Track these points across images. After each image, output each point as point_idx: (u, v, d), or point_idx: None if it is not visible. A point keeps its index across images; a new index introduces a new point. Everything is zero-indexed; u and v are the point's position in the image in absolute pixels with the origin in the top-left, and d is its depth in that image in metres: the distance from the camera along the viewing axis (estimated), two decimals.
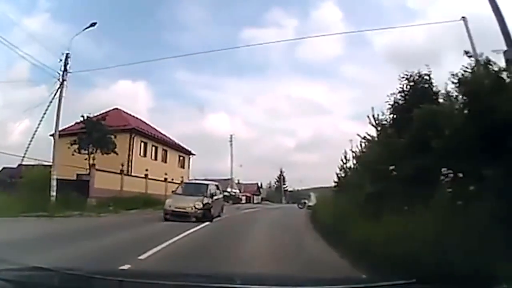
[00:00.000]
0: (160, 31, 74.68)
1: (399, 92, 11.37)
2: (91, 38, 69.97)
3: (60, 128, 26.26)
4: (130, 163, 29.32)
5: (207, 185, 19.24)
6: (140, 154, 31.62)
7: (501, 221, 4.30)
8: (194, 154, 42.14)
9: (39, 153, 23.09)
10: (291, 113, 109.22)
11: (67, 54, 21.11)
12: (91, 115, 24.45)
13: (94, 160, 23.62)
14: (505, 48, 9.88)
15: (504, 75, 6.24)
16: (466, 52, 7.54)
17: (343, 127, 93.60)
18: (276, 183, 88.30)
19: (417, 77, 11.38)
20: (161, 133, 37.10)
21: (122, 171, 26.44)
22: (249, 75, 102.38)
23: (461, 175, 5.58)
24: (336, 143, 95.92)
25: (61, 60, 20.86)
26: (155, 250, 7.90)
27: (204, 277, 3.02)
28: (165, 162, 36.04)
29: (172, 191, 20.48)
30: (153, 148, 34.19)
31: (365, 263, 5.89)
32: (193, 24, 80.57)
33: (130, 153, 29.76)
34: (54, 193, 19.37)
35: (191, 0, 76.19)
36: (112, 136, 24.30)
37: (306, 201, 37.53)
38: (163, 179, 31.43)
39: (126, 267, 5.63)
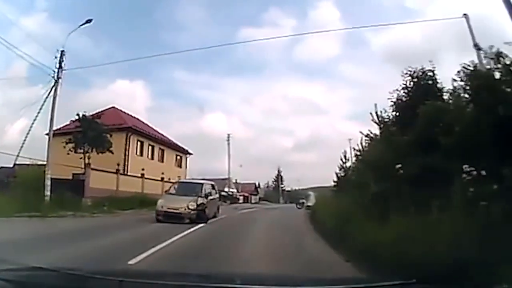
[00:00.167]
0: (158, 31, 74.36)
1: (402, 88, 11.11)
2: (90, 38, 69.56)
3: (56, 127, 26.19)
4: (126, 163, 28.96)
5: (202, 184, 18.37)
6: (136, 153, 31.26)
7: None
8: (191, 154, 41.87)
9: (36, 153, 22.64)
10: (288, 112, 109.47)
11: (62, 51, 20.74)
12: (87, 114, 24.03)
13: (90, 159, 23.24)
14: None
15: None
16: (476, 45, 7.28)
17: (340, 127, 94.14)
18: (274, 182, 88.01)
19: (420, 74, 11.11)
20: (158, 132, 36.72)
21: (118, 170, 26.03)
22: (247, 75, 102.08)
23: (475, 173, 5.24)
24: (333, 143, 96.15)
25: (56, 57, 20.54)
26: (139, 258, 7.03)
27: (204, 277, 3.01)
28: (162, 161, 35.69)
29: (165, 191, 19.58)
30: (150, 147, 33.81)
31: (373, 267, 5.53)
32: (191, 24, 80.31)
33: (127, 152, 29.40)
34: (49, 193, 19.01)
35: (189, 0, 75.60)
36: (108, 135, 23.92)
37: (305, 201, 37.23)
38: (159, 178, 31.05)
39: None
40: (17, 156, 21.77)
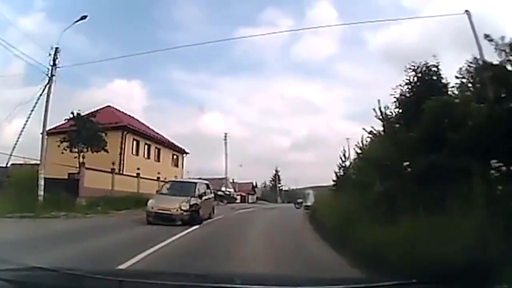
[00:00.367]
0: (156, 30, 73.98)
1: (406, 84, 10.80)
2: (87, 37, 68.94)
3: (52, 126, 25.87)
4: (122, 162, 28.49)
5: (195, 183, 17.32)
6: (132, 153, 30.81)
7: None
8: (188, 153, 41.42)
9: (34, 153, 22.22)
10: (286, 112, 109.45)
11: (56, 48, 20.41)
12: (81, 112, 23.60)
13: (84, 158, 22.82)
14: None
15: None
16: (487, 36, 6.95)
17: (338, 127, 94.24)
18: (271, 182, 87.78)
19: (424, 69, 10.81)
20: (154, 131, 36.28)
21: (113, 169, 25.61)
22: (244, 75, 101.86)
23: (504, 168, 4.89)
24: (331, 142, 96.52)
25: (49, 54, 20.16)
26: (123, 267, 6.26)
27: (204, 277, 3.02)
28: (158, 160, 35.23)
29: (157, 191, 18.35)
30: (146, 146, 33.34)
31: (382, 272, 5.15)
32: (188, 24, 79.98)
33: (122, 151, 28.94)
34: (42, 193, 18.73)
35: None
36: (103, 134, 23.47)
37: (303, 201, 36.93)
38: (156, 178, 30.60)
39: None
40: (10, 155, 21.37)
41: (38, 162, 20.74)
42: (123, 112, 33.98)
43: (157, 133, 36.63)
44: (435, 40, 38.25)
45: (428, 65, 10.78)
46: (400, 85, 10.78)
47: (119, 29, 69.96)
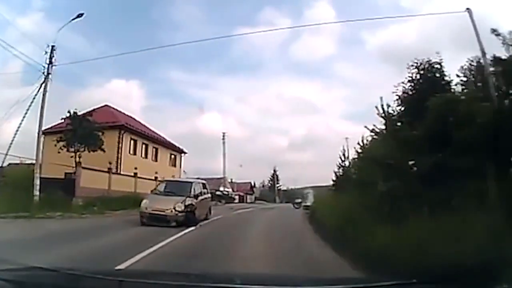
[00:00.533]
0: (154, 30, 73.26)
1: (408, 81, 10.57)
2: (85, 38, 68.39)
3: (49, 126, 25.63)
4: (119, 161, 28.20)
5: (191, 183, 16.69)
6: (129, 152, 30.49)
7: None
8: (186, 153, 41.11)
9: (31, 152, 21.73)
10: (284, 112, 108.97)
11: (52, 46, 20.22)
12: (78, 111, 23.32)
13: (80, 158, 22.54)
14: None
15: None
16: (494, 30, 6.75)
17: (336, 126, 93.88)
18: (270, 182, 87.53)
19: (427, 66, 10.59)
20: (152, 131, 35.97)
21: (110, 169, 25.31)
22: (242, 75, 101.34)
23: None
24: (329, 142, 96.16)
25: (45, 52, 19.92)
26: None
27: (204, 277, 3.02)
28: (156, 160, 34.92)
29: (151, 190, 17.46)
30: (143, 145, 33.03)
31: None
32: (187, 24, 79.38)
33: (119, 150, 28.63)
34: (38, 193, 18.54)
35: None
36: (100, 133, 23.20)
37: (301, 201, 36.72)
38: (153, 178, 30.31)
39: None
40: (6, 155, 21.12)
41: (32, 161, 20.57)
42: (120, 112, 33.65)
43: (155, 133, 36.32)
44: (433, 40, 38.13)
45: (431, 62, 10.57)
46: (403, 82, 10.57)
47: (118, 29, 69.55)
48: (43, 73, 19.91)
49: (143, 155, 32.86)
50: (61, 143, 22.54)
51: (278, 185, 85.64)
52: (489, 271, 2.83)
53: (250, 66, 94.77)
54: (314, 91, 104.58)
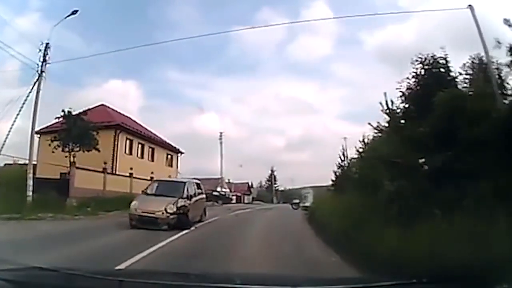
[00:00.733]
0: (151, 30, 72.61)
1: (413, 77, 10.23)
2: (82, 38, 68.12)
3: (44, 125, 25.24)
4: (114, 161, 27.79)
5: (184, 183, 15.64)
6: (125, 152, 30.06)
7: None
8: (182, 153, 40.67)
9: (27, 153, 21.31)
10: (281, 112, 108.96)
11: (46, 44, 19.84)
12: (73, 110, 22.92)
13: (75, 157, 22.13)
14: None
15: None
16: (507, 20, 6.43)
17: (333, 127, 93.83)
18: (267, 182, 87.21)
19: (432, 61, 10.25)
20: (148, 130, 35.55)
21: (105, 169, 24.90)
22: (239, 75, 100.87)
23: None
24: (327, 142, 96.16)
25: (39, 50, 19.54)
26: None
27: (204, 277, 3.05)
28: (152, 160, 34.49)
29: (142, 191, 16.27)
30: (139, 145, 32.57)
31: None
32: (184, 24, 78.84)
33: (115, 150, 28.22)
34: (31, 193, 18.21)
35: None
36: (95, 133, 22.78)
37: (300, 201, 36.30)
38: (149, 178, 29.90)
39: None
40: None
41: (33, 162, 20.21)
42: (116, 111, 33.20)
43: (151, 133, 35.90)
44: (431, 40, 37.93)
45: (435, 57, 10.23)
46: (407, 78, 10.21)
47: (115, 30, 68.90)
48: (37, 71, 19.60)
49: (139, 155, 32.44)
50: (55, 143, 22.16)
51: (275, 185, 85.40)
52: (489, 271, 2.86)
53: (248, 66, 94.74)
54: (311, 91, 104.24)
